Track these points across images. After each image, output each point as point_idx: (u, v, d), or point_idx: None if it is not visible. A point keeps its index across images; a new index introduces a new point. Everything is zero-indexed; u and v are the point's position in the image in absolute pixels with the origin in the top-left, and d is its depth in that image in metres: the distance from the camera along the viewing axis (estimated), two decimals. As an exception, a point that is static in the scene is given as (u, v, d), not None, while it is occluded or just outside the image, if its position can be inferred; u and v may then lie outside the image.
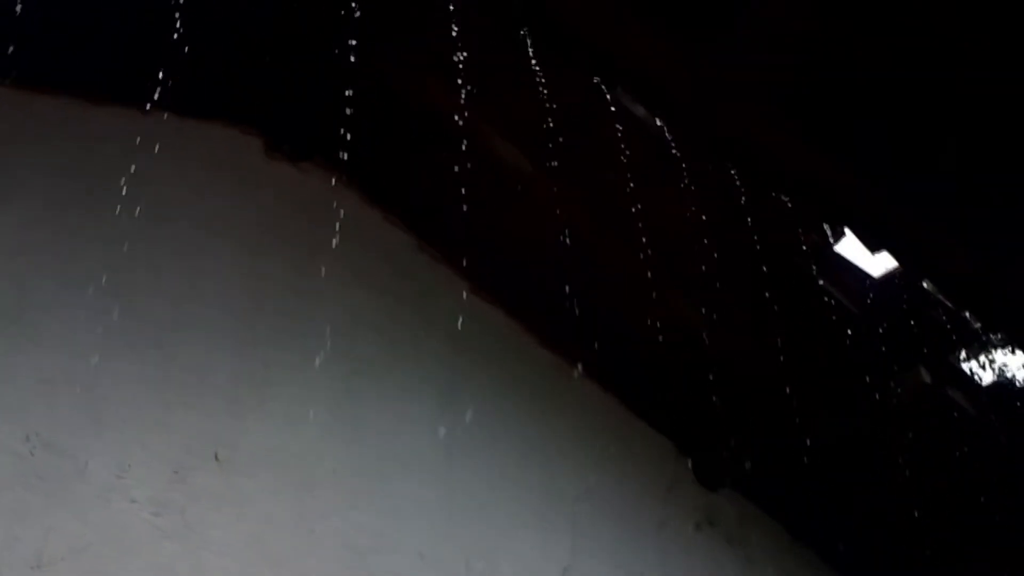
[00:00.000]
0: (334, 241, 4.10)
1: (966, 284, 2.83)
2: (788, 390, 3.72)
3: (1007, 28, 2.40)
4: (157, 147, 3.95)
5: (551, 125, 3.63)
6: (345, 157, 4.26)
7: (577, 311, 4.20)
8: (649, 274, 3.90)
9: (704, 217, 3.43)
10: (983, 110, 2.59)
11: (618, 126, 3.43)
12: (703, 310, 3.91)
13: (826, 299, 3.55)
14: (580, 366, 4.10)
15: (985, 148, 2.72)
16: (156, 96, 3.83)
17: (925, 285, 3.33)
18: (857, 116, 2.67)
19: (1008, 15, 2.39)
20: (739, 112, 2.84)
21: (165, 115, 3.99)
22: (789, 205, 2.88)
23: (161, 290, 3.70)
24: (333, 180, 4.26)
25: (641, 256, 3.69)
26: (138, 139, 3.91)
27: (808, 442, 3.96)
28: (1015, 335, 3.82)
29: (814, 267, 3.51)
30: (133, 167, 3.83)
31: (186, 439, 3.45)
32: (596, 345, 4.35)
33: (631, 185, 3.46)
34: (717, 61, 2.94)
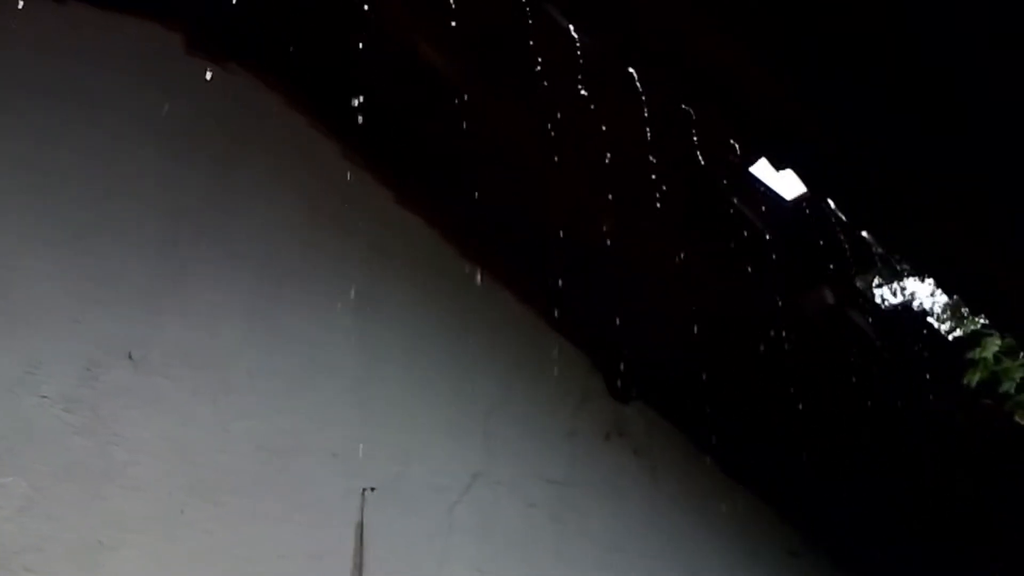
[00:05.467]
0: (256, 144, 4.09)
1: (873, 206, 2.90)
2: (696, 307, 3.84)
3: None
4: (75, 40, 3.86)
5: (483, 36, 3.62)
6: (271, 59, 4.21)
7: (498, 223, 4.25)
8: (573, 189, 3.96)
9: (625, 131, 3.47)
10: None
11: (548, 39, 3.43)
12: (623, 224, 3.98)
13: (738, 217, 3.64)
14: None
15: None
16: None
17: (831, 206, 3.43)
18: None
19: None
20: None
21: (83, 6, 3.90)
22: (694, 116, 2.93)
23: (78, 187, 3.65)
24: (258, 82, 4.22)
25: (564, 170, 3.73)
26: (55, 31, 3.82)
27: (713, 357, 4.11)
28: (922, 264, 3.96)
29: (729, 186, 3.59)
30: (49, 60, 3.74)
31: (100, 337, 3.45)
32: (515, 258, 4.42)
33: (558, 98, 3.48)
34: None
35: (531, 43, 3.42)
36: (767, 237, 3.68)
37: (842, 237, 3.37)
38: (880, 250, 3.68)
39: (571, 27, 3.16)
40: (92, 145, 3.71)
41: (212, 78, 4.10)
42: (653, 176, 3.46)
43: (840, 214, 3.39)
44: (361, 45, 3.87)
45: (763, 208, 3.74)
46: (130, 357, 3.48)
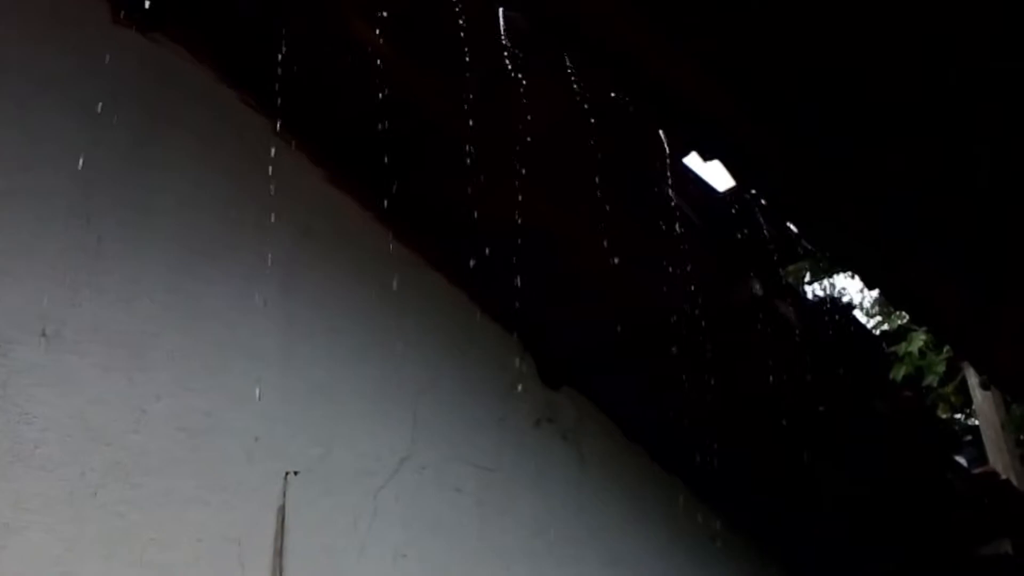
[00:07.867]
0: (182, 117, 3.98)
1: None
2: (627, 294, 3.84)
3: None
4: (-9, 3, 3.71)
5: (417, 14, 3.56)
6: (200, 32, 4.09)
7: (431, 206, 4.21)
8: (505, 173, 3.93)
9: (557, 116, 3.45)
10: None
11: (480, 20, 3.39)
12: (555, 210, 3.97)
13: (670, 206, 3.64)
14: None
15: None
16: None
17: (760, 200, 3.45)
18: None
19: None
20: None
21: (3, -32, 3.75)
22: (624, 103, 2.91)
23: (-11, 154, 3.51)
24: (186, 54, 4.10)
25: (497, 154, 3.70)
26: (-27, -7, 3.66)
27: (643, 344, 4.12)
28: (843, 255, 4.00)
29: (660, 175, 3.59)
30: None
31: (10, 312, 3.31)
32: (447, 240, 4.38)
33: (493, 83, 3.44)
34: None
35: (462, 23, 3.38)
36: (697, 227, 3.69)
37: (766, 229, 3.39)
38: (807, 244, 3.71)
39: (502, 8, 3.11)
40: (4, 108, 3.56)
41: (137, 48, 3.99)
42: (585, 162, 3.45)
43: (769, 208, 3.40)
44: (294, 20, 3.79)
45: (695, 198, 3.75)
46: (43, 333, 3.36)
